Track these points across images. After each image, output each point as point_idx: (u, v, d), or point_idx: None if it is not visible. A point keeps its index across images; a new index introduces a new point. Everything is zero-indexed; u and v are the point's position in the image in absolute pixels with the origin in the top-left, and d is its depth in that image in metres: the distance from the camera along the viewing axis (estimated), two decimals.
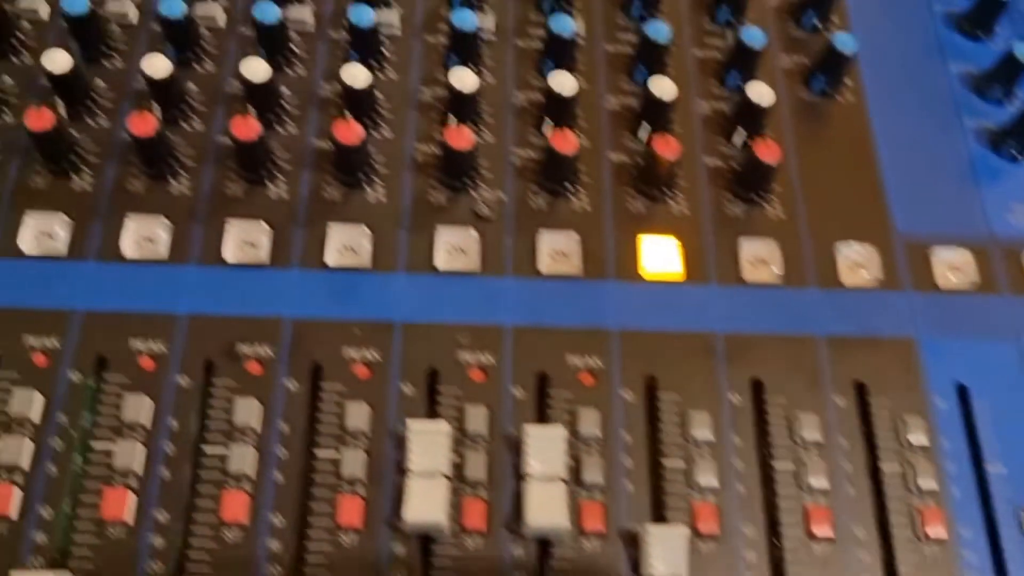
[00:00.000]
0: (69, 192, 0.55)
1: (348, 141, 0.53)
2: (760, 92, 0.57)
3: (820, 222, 0.58)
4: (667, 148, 0.55)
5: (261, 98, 0.56)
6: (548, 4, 0.63)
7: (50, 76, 0.55)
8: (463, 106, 0.56)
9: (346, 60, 0.60)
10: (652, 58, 0.60)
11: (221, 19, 0.61)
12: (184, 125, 0.57)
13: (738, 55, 0.60)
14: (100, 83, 0.59)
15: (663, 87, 0.56)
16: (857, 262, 0.57)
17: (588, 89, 0.61)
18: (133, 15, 0.61)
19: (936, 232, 0.58)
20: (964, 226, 0.59)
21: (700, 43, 0.63)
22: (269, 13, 0.57)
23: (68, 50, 0.57)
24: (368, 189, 0.56)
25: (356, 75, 0.55)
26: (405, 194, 0.56)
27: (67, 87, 0.56)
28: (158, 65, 0.55)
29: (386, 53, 0.61)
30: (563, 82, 0.56)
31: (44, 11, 0.61)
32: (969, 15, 0.66)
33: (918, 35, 0.66)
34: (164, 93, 0.56)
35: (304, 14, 0.61)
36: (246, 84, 0.55)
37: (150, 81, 0.55)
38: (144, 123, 0.53)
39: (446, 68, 0.60)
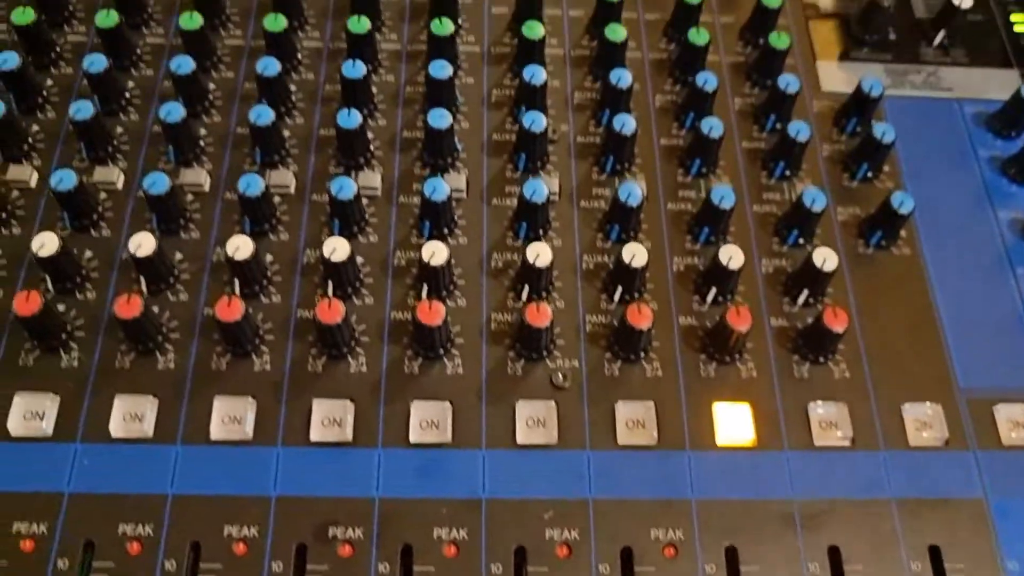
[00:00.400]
0: (154, 372, 0.56)
1: (431, 322, 0.54)
2: (824, 256, 0.59)
3: (885, 381, 0.59)
4: (739, 320, 0.56)
5: (340, 275, 0.57)
6: (610, 164, 0.64)
7: (135, 259, 0.56)
8: (538, 279, 0.58)
9: (417, 226, 0.62)
10: (715, 220, 0.61)
11: (292, 186, 0.63)
12: (263, 299, 0.59)
13: (797, 214, 0.62)
14: (179, 255, 0.60)
15: (731, 255, 0.58)
16: (923, 422, 0.58)
17: (653, 249, 0.62)
18: (207, 184, 0.62)
19: (997, 387, 0.60)
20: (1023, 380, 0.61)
21: (758, 199, 0.65)
22: (346, 189, 0.58)
23: (148, 228, 0.59)
24: (447, 362, 0.57)
25: (435, 252, 0.56)
26: (483, 366, 0.57)
27: (151, 268, 0.57)
28: (240, 245, 0.56)
29: (456, 219, 0.62)
30: (635, 252, 0.57)
31: (120, 181, 0.62)
32: (1015, 159, 0.68)
33: (966, 181, 0.68)
34: (244, 271, 0.57)
35: (374, 180, 0.63)
36: (326, 263, 0.56)
37: (232, 261, 0.56)
38: (231, 310, 0.54)
39: (516, 234, 0.62)
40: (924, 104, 0.71)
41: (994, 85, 0.73)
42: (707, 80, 0.65)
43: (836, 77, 0.72)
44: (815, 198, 0.61)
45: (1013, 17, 0.77)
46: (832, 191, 0.66)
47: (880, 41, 0.74)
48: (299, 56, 0.68)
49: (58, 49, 0.67)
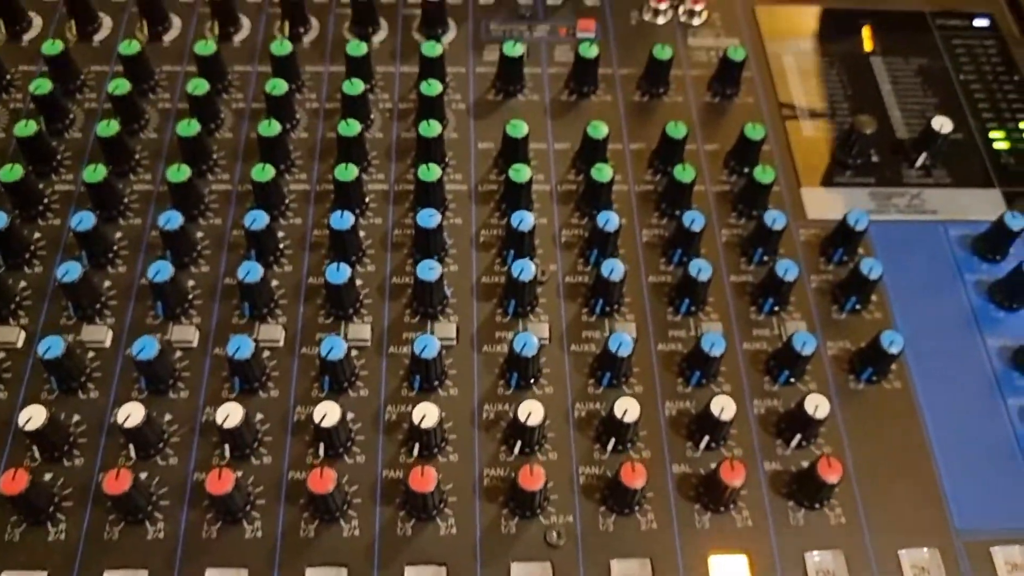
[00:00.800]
0: (144, 544, 0.55)
1: (423, 489, 0.54)
2: (816, 403, 0.59)
3: (881, 526, 0.59)
4: (733, 475, 0.56)
5: (331, 438, 0.57)
6: (599, 306, 0.65)
7: (123, 429, 0.55)
8: (530, 436, 0.58)
9: (407, 380, 0.61)
10: (706, 366, 0.61)
11: (282, 340, 0.63)
12: (254, 460, 0.58)
13: (787, 355, 0.62)
14: (168, 416, 0.59)
15: (723, 406, 0.58)
16: (921, 567, 0.58)
17: (644, 393, 0.62)
18: (196, 340, 0.62)
19: (993, 528, 0.59)
20: (1019, 518, 0.60)
21: (748, 335, 0.65)
22: (336, 349, 0.58)
23: (136, 388, 0.59)
24: (440, 522, 0.57)
25: (427, 415, 0.56)
26: (476, 526, 0.57)
27: (140, 436, 0.56)
28: (230, 413, 0.56)
29: (446, 370, 0.62)
30: (627, 407, 0.57)
31: (108, 339, 0.62)
32: (1001, 284, 0.68)
33: (954, 307, 0.68)
34: (235, 437, 0.57)
35: (363, 332, 0.63)
36: (319, 428, 0.56)
37: (223, 429, 0.56)
38: (222, 483, 0.53)
39: (508, 383, 0.62)
40: (909, 228, 0.72)
41: (978, 205, 0.73)
42: (694, 220, 0.65)
43: (821, 204, 0.72)
44: (805, 341, 0.61)
45: (992, 134, 0.78)
46: (821, 324, 0.66)
47: (863, 164, 0.74)
48: (286, 201, 0.68)
49: (45, 201, 0.67)
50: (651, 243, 0.69)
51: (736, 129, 0.72)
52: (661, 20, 0.82)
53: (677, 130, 0.70)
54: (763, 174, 0.68)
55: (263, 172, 0.65)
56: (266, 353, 0.62)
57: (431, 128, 0.68)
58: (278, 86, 0.69)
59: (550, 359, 0.63)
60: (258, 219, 0.63)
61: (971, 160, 0.76)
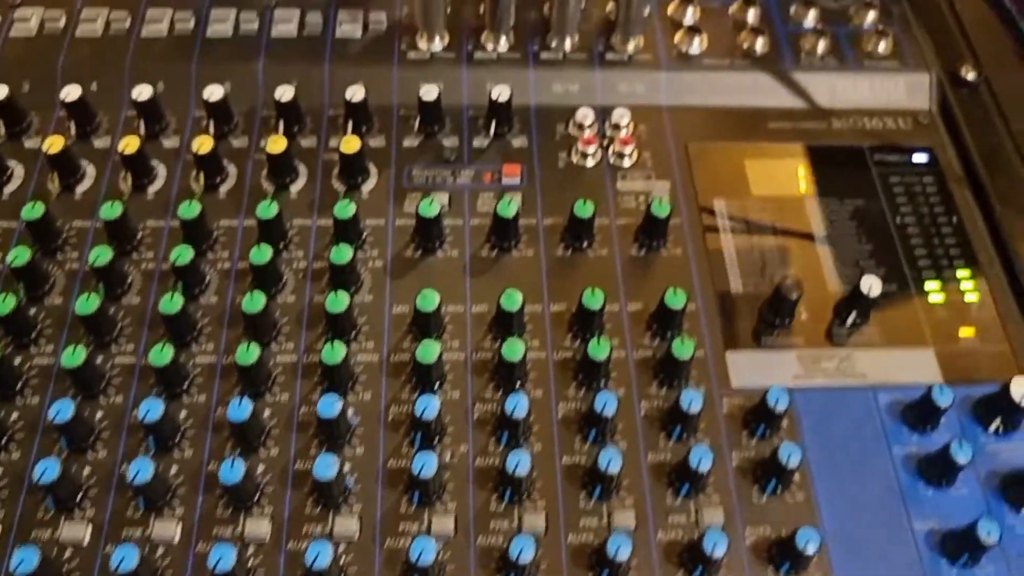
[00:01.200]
0: None
1: None
2: None
3: None
4: None
5: None
6: (508, 495, 0.62)
7: None
8: None
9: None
10: (613, 569, 0.59)
11: (176, 537, 0.60)
12: None
13: (700, 555, 0.60)
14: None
15: None
16: None
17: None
18: (87, 539, 0.60)
19: None
20: None
21: (664, 523, 0.63)
22: (225, 560, 0.56)
23: None
24: None
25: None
26: None
27: None
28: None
29: (347, 572, 0.60)
30: None
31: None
32: (930, 460, 0.66)
33: (881, 485, 0.66)
34: None
35: (262, 527, 0.61)
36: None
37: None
38: None
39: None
40: (837, 395, 0.69)
41: (910, 367, 0.71)
42: (606, 404, 0.63)
43: (747, 369, 0.70)
44: (716, 543, 0.59)
45: (928, 284, 0.75)
46: (741, 508, 0.64)
47: (791, 324, 0.72)
48: (191, 377, 0.66)
49: None
50: (567, 418, 0.67)
51: (662, 285, 0.70)
52: (590, 162, 0.80)
53: (594, 299, 0.67)
54: (681, 348, 0.66)
55: (161, 355, 0.63)
56: (160, 550, 0.60)
57: (338, 302, 0.66)
58: (183, 254, 0.67)
59: (455, 553, 0.61)
60: (152, 410, 0.61)
61: (904, 315, 0.74)
